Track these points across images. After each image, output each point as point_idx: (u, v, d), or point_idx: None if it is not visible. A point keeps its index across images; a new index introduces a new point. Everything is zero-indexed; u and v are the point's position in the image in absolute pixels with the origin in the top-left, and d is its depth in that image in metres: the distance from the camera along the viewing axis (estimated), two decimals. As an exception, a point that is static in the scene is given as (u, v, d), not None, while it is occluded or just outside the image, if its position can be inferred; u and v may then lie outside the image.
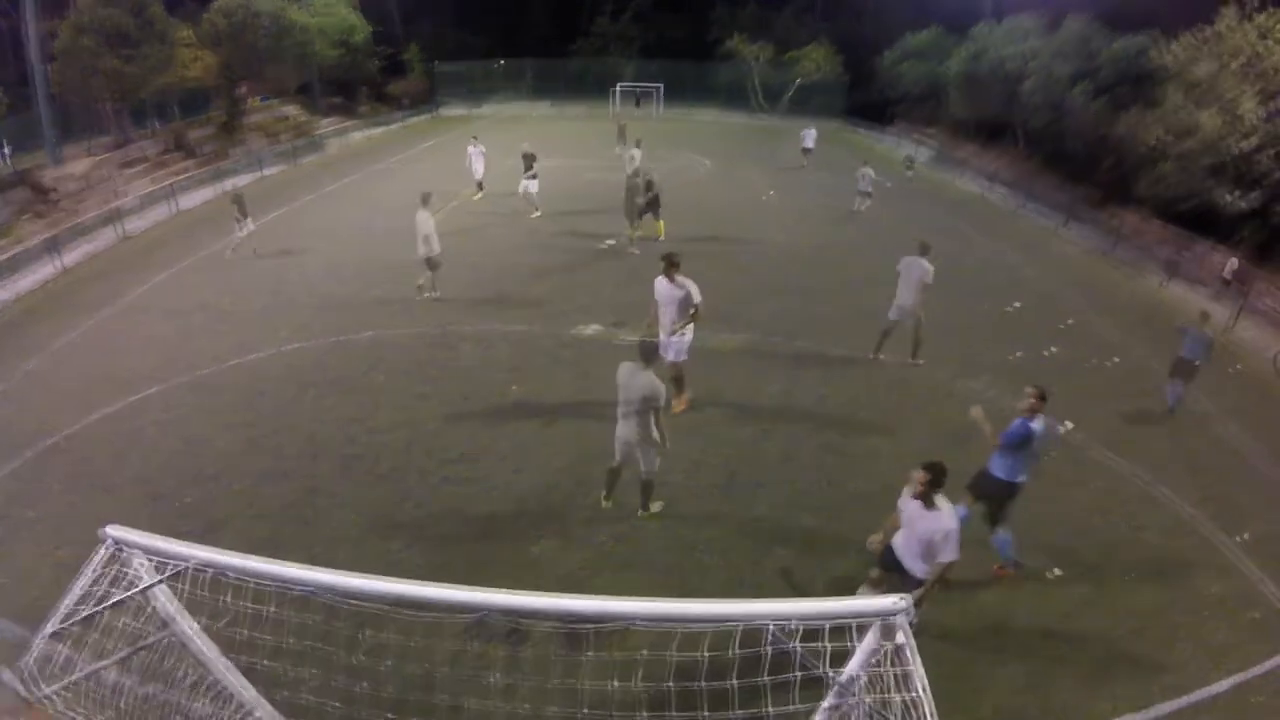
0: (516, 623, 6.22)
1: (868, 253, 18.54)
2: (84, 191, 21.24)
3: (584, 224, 19.65)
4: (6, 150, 23.07)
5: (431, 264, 13.69)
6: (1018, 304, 15.29)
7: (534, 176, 20.14)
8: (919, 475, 5.52)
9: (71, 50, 22.90)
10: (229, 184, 24.28)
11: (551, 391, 10.70)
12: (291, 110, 36.38)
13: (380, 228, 19.07)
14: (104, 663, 3.83)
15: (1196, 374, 11.16)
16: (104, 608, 3.39)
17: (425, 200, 13.38)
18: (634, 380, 7.05)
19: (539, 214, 20.17)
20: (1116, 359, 13.10)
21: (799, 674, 3.10)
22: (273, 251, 17.19)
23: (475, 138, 22.43)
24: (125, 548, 3.38)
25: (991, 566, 7.41)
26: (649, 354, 7.14)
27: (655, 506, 8.05)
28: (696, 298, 9.27)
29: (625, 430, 7.33)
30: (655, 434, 7.25)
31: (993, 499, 7.27)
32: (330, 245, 17.56)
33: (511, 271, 15.79)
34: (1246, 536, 8.35)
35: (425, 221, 13.23)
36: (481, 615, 5.94)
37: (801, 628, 2.88)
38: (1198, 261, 20.43)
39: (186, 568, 3.30)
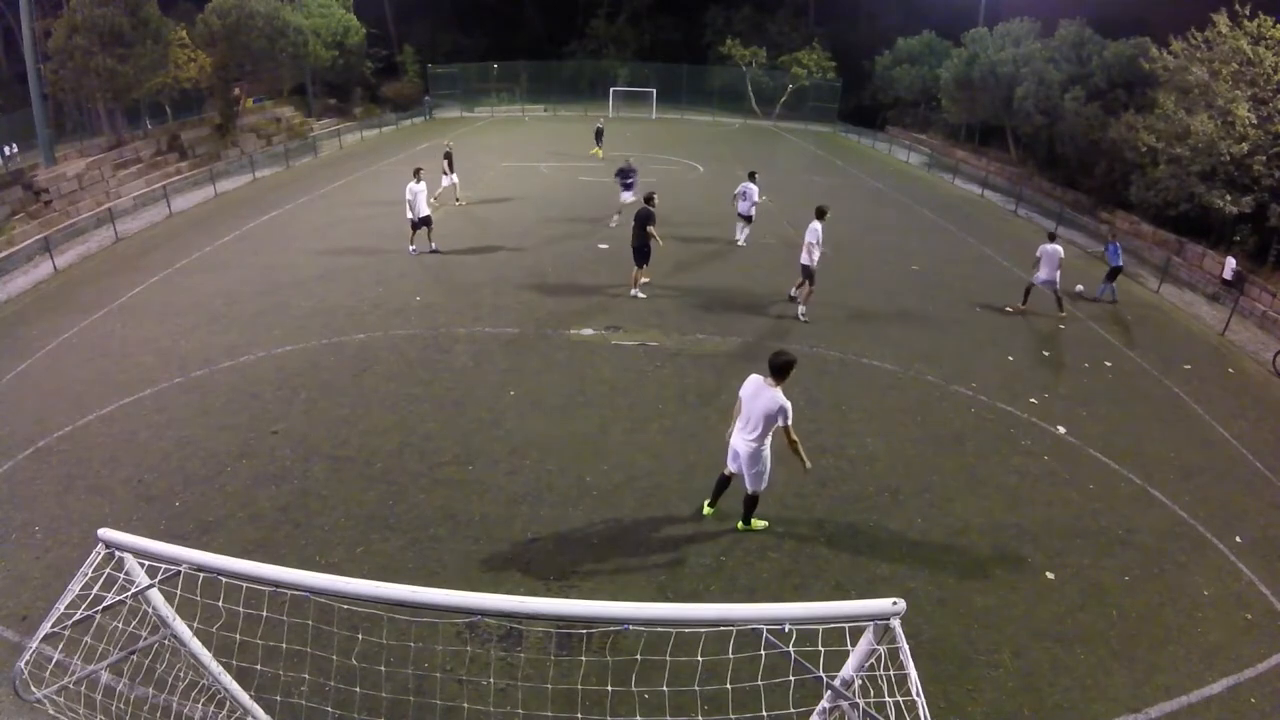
0: (511, 625, 6.22)
1: (857, 255, 18.60)
2: (77, 192, 21.16)
3: (580, 226, 19.67)
4: (13, 148, 23.03)
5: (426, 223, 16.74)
6: (1009, 308, 15.35)
7: None
8: None
9: (66, 49, 22.84)
10: (222, 186, 24.29)
11: (545, 394, 10.69)
12: (286, 112, 36.33)
13: (374, 229, 19.05)
14: (98, 666, 3.81)
15: (1118, 275, 16.71)
16: (98, 611, 3.37)
17: (416, 174, 16.51)
18: (758, 396, 6.89)
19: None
20: (1109, 362, 13.16)
21: (794, 677, 3.10)
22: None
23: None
24: (118, 551, 3.36)
25: (986, 566, 7.48)
26: (781, 370, 6.84)
27: (759, 525, 7.90)
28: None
29: (740, 443, 7.18)
30: (795, 454, 7.04)
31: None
32: (323, 247, 17.51)
33: (506, 273, 15.78)
34: (1240, 538, 8.40)
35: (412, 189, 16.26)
36: (475, 618, 5.96)
37: (796, 631, 2.88)
38: (1191, 265, 20.57)
39: (180, 571, 3.28)
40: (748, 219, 18.27)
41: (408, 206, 16.35)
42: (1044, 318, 15.04)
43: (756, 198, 17.84)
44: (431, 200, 20.51)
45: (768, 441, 7.03)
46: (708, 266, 16.74)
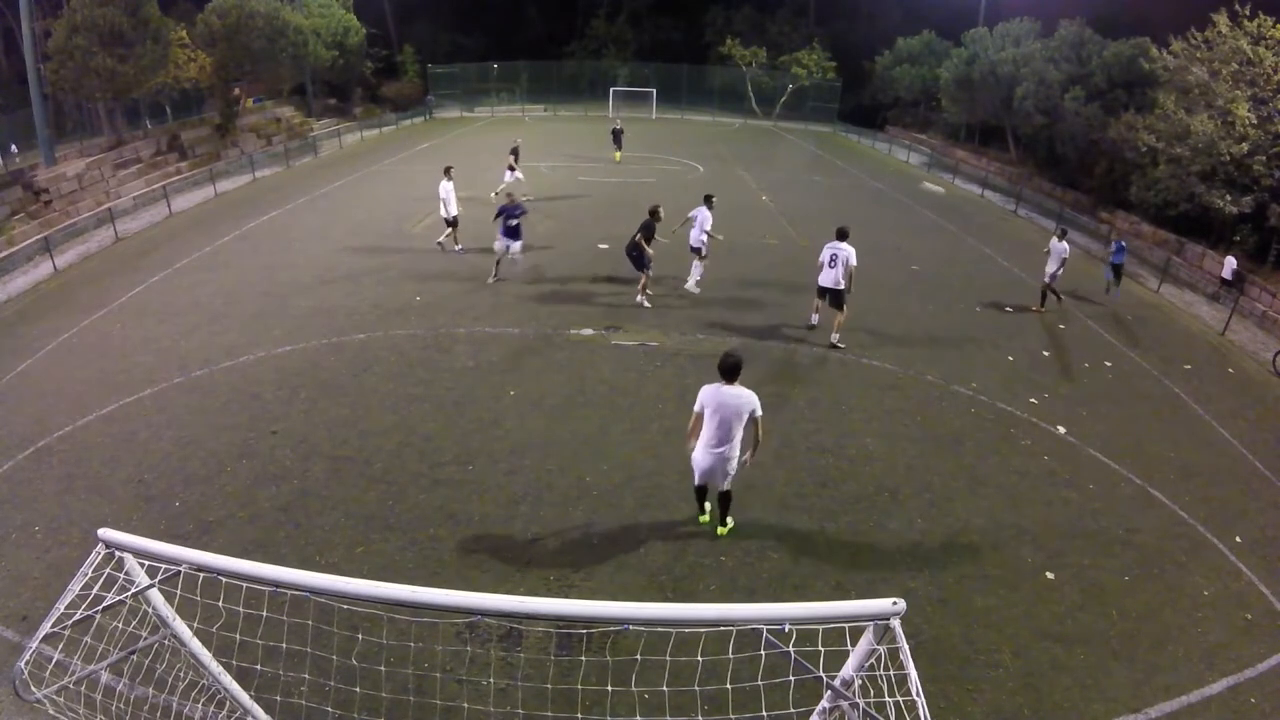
0: (511, 625, 6.22)
1: (860, 255, 18.56)
2: (77, 192, 21.16)
3: (579, 226, 19.67)
4: (14, 148, 23.12)
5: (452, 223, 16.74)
6: (1010, 308, 15.35)
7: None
8: None
9: (66, 49, 22.84)
10: (222, 186, 24.31)
11: (545, 394, 10.69)
12: (286, 112, 36.36)
13: (374, 230, 19.06)
14: (98, 666, 3.81)
15: (1121, 273, 17.31)
16: (98, 611, 3.37)
17: (447, 172, 16.52)
18: (724, 403, 6.80)
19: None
20: (1109, 362, 13.16)
21: (794, 677, 3.10)
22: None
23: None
24: (118, 551, 3.36)
25: (986, 566, 7.50)
26: (735, 371, 6.84)
27: (730, 523, 7.82)
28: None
29: (710, 457, 6.99)
30: (749, 449, 7.01)
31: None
32: (323, 247, 17.52)
33: (505, 273, 15.77)
34: (1240, 538, 8.40)
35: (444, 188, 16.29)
36: (475, 618, 5.96)
37: (796, 631, 2.88)
38: (1191, 265, 20.57)
39: (180, 571, 3.28)
40: (697, 252, 14.72)
41: (441, 205, 16.46)
42: (1043, 317, 15.05)
43: (708, 227, 14.43)
44: (525, 197, 21.16)
45: (738, 442, 6.97)
46: (707, 267, 16.71)
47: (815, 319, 13.43)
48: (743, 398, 6.78)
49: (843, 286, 12.47)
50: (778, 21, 50.81)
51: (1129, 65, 25.73)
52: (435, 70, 47.77)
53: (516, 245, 14.88)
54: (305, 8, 35.63)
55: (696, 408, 6.96)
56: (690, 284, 14.99)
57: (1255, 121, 19.80)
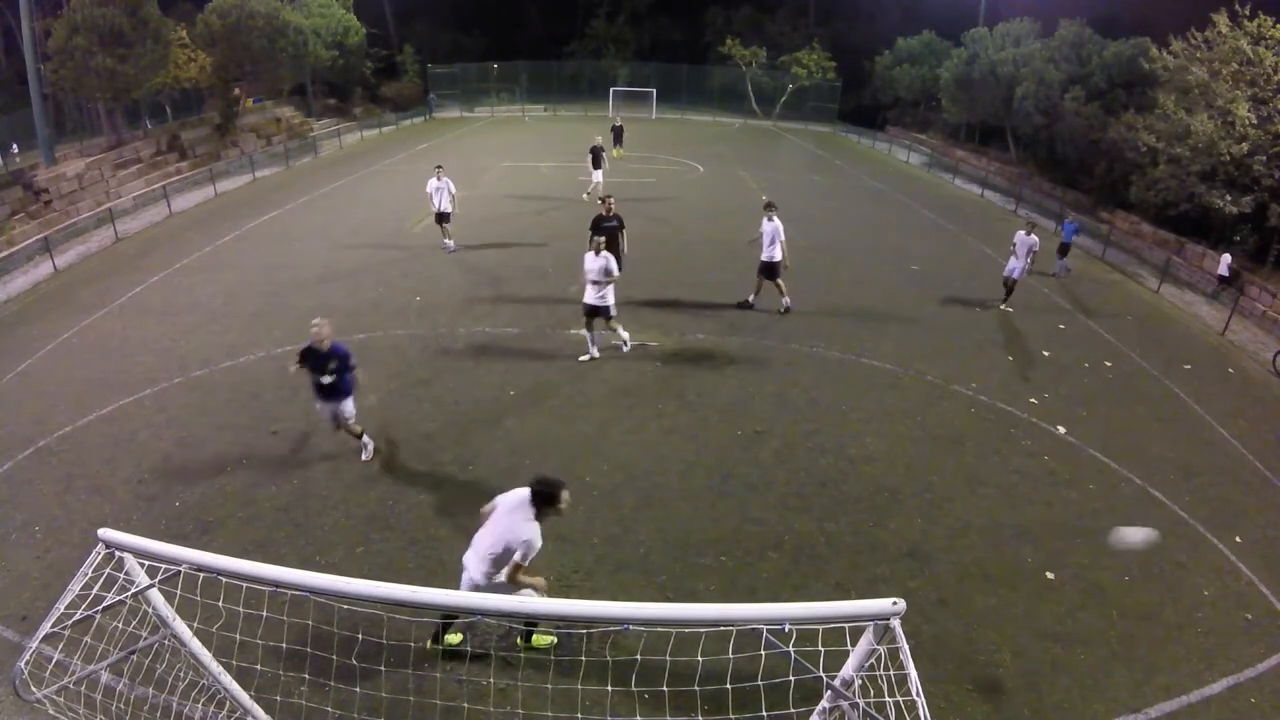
0: (511, 625, 6.22)
1: (857, 255, 18.60)
2: (77, 192, 21.16)
3: (579, 225, 19.62)
4: (14, 148, 23.14)
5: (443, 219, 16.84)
6: (1010, 309, 15.35)
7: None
8: None
9: (66, 49, 22.85)
10: (222, 186, 24.30)
11: (545, 394, 10.69)
12: (286, 112, 36.34)
13: (374, 230, 19.05)
14: (98, 666, 3.81)
15: (1069, 251, 18.60)
16: (98, 611, 3.37)
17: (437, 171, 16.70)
18: (508, 517, 5.42)
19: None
20: (1109, 362, 13.16)
21: (794, 677, 3.10)
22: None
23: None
24: (118, 551, 3.36)
25: (986, 566, 7.48)
26: (540, 498, 5.37)
27: (543, 642, 6.28)
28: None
29: (477, 561, 5.51)
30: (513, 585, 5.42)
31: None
32: (323, 247, 17.52)
33: (506, 273, 15.77)
34: (1240, 538, 8.40)
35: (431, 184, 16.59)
36: (475, 618, 5.96)
37: (796, 631, 2.89)
38: (1191, 265, 20.57)
39: (180, 571, 3.28)
40: (600, 314, 11.23)
41: (430, 200, 16.69)
42: (1043, 317, 15.04)
43: (603, 277, 10.84)
44: (585, 196, 21.88)
45: (502, 574, 5.39)
46: (708, 266, 16.73)
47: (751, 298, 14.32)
48: (520, 531, 5.27)
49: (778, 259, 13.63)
50: (778, 21, 50.79)
51: (1129, 65, 25.73)
52: (435, 70, 47.74)
53: (345, 406, 8.39)
54: (305, 8, 35.61)
55: (488, 508, 5.66)
56: (592, 351, 11.78)
57: (1255, 121, 19.79)
